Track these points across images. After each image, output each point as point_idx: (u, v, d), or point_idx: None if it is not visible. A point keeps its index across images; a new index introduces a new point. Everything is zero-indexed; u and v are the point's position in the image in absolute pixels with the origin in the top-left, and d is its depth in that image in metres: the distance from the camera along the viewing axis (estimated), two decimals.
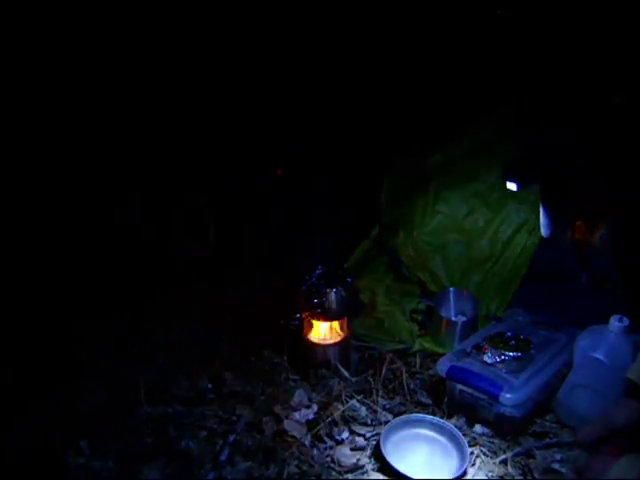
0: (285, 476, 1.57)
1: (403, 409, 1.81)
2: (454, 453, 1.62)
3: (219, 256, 2.64)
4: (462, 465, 1.56)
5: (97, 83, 2.79)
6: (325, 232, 2.77)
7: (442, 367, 1.78)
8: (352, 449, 1.66)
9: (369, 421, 1.76)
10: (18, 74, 2.50)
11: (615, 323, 1.61)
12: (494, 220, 2.15)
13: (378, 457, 1.60)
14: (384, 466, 1.57)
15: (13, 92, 2.49)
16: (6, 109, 2.47)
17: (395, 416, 1.77)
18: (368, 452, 1.65)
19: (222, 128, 3.29)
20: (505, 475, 1.56)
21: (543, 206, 1.97)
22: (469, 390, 1.71)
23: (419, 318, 2.12)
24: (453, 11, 2.98)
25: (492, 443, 1.66)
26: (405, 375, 1.94)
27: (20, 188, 2.56)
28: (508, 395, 1.63)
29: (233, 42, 3.02)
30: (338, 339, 1.91)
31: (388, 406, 1.83)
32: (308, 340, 1.91)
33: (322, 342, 1.91)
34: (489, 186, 2.16)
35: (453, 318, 2.10)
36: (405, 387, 1.89)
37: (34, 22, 2.52)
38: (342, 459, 1.62)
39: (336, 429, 1.72)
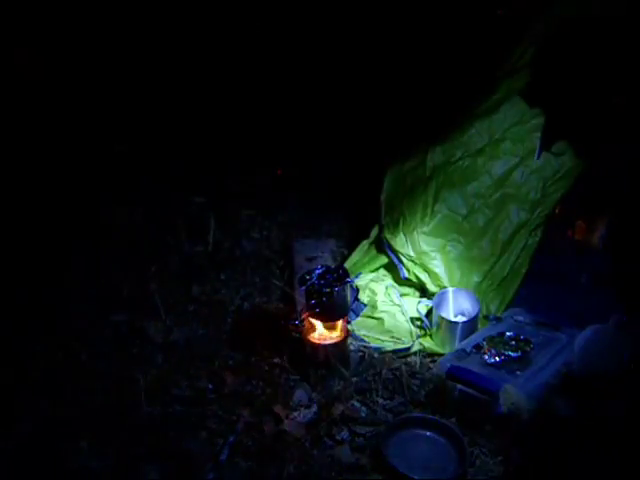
0: (285, 476, 1.57)
1: (403, 409, 1.81)
2: (454, 453, 1.62)
3: (219, 256, 2.64)
4: (462, 465, 1.56)
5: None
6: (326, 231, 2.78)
7: (442, 367, 1.78)
8: (352, 449, 1.66)
9: (369, 421, 1.76)
10: None
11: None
12: (494, 220, 2.15)
13: (378, 457, 1.60)
14: (384, 466, 1.57)
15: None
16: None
17: (395, 416, 1.77)
18: (368, 452, 1.65)
19: (224, 129, 3.31)
20: (505, 475, 1.56)
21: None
22: (469, 390, 1.70)
23: (419, 318, 2.12)
24: (454, 10, 3.00)
25: (492, 443, 1.66)
26: (405, 375, 1.94)
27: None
28: None
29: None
30: (338, 339, 1.90)
31: (388, 406, 1.83)
32: (308, 340, 1.91)
33: (322, 342, 1.90)
34: (489, 186, 2.16)
35: (453, 318, 2.10)
36: (405, 387, 1.89)
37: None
38: (342, 459, 1.62)
39: (336, 429, 1.72)
